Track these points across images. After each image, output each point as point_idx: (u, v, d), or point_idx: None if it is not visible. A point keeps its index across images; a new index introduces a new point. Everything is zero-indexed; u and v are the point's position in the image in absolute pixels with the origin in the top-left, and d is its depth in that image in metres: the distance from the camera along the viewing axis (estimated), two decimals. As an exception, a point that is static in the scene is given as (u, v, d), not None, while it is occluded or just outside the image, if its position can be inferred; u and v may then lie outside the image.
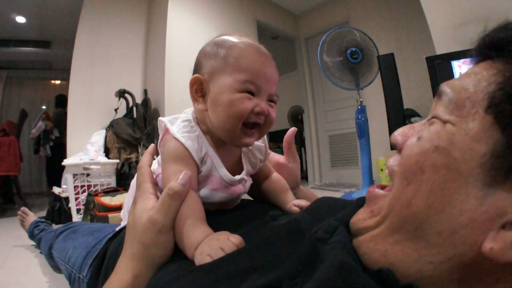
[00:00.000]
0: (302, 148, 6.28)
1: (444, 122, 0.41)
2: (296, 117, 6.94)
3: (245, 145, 0.71)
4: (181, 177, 0.57)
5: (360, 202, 0.56)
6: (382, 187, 0.49)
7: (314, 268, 0.40)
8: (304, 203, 0.77)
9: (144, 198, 0.60)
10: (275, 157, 0.96)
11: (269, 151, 0.94)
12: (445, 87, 0.44)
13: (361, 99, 3.28)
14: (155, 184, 0.66)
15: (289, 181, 0.87)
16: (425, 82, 2.54)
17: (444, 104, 0.42)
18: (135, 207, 0.60)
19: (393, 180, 0.46)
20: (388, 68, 2.75)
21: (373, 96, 4.10)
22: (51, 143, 5.40)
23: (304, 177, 5.97)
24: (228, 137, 0.67)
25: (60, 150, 5.18)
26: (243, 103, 0.63)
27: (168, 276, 0.49)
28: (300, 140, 6.49)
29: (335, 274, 0.37)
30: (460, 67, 2.21)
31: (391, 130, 2.70)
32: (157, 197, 0.59)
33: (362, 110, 3.25)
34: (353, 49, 3.13)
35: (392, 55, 2.77)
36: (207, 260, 0.48)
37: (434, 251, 0.39)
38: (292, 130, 0.94)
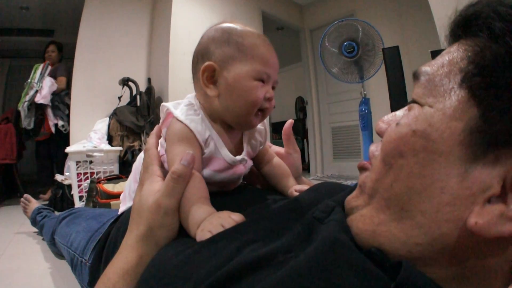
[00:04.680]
0: (305, 140, 6.28)
1: (422, 105, 0.42)
2: (304, 108, 6.93)
3: (253, 127, 0.75)
4: (183, 158, 0.58)
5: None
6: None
7: (308, 243, 0.41)
8: (305, 187, 0.77)
9: (151, 181, 0.61)
10: (276, 149, 0.97)
11: (269, 143, 0.96)
12: (421, 68, 0.44)
13: (365, 92, 3.26)
14: (161, 166, 0.67)
15: (291, 171, 0.88)
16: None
17: (422, 85, 0.43)
18: (142, 189, 0.62)
19: (372, 163, 0.47)
20: (393, 61, 2.73)
21: (377, 88, 4.09)
22: (67, 111, 3.83)
23: (306, 168, 5.97)
24: (239, 121, 0.71)
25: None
26: (258, 90, 0.67)
27: (168, 253, 0.50)
28: (302, 132, 6.49)
29: (327, 249, 0.38)
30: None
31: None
32: (164, 179, 0.60)
33: (365, 102, 3.23)
34: (348, 43, 3.10)
35: (397, 48, 2.75)
36: (207, 236, 0.49)
37: (420, 231, 0.39)
38: (290, 122, 0.96)
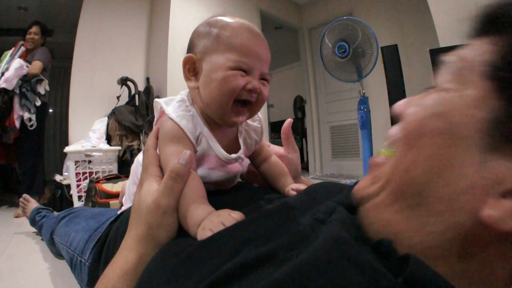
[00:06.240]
0: (303, 139, 6.28)
1: (444, 90, 0.42)
2: (303, 107, 6.92)
3: (234, 124, 0.71)
4: (181, 157, 0.58)
5: None
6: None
7: (310, 242, 0.40)
8: (302, 187, 0.77)
9: (150, 181, 0.61)
10: (275, 149, 0.96)
11: (268, 143, 0.96)
12: (445, 57, 0.45)
13: (363, 90, 3.26)
14: (161, 166, 0.66)
15: (289, 171, 0.88)
16: (428, 75, 2.53)
17: (444, 73, 0.44)
18: (141, 189, 0.61)
19: (394, 147, 0.47)
20: (392, 59, 2.74)
21: (376, 87, 4.09)
22: (39, 103, 3.18)
23: (305, 168, 5.97)
24: (218, 114, 0.68)
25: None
26: (236, 79, 0.64)
27: (169, 251, 0.50)
28: (301, 131, 6.49)
29: (328, 246, 0.37)
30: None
31: (394, 122, 2.69)
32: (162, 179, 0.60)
33: (364, 101, 3.23)
34: (340, 44, 3.10)
35: (395, 46, 2.75)
36: (208, 234, 0.49)
37: (435, 219, 0.39)
38: (289, 121, 0.95)
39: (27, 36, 3.40)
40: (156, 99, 0.74)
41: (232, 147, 0.76)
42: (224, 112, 0.67)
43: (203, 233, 0.51)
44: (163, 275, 0.44)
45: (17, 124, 3.05)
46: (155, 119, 0.76)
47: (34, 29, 3.45)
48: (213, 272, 0.38)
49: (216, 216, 0.53)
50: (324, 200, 0.58)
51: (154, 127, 0.72)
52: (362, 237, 0.44)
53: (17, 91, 3.04)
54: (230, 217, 0.52)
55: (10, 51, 3.19)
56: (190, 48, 0.72)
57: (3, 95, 3.00)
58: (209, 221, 0.52)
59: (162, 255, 0.51)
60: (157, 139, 0.70)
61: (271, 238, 0.44)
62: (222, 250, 0.43)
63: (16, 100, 3.05)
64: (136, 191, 0.63)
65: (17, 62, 3.06)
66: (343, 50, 3.08)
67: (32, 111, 3.11)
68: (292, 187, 0.78)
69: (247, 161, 0.81)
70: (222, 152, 0.71)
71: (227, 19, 0.70)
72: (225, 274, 0.37)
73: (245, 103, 0.69)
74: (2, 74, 2.98)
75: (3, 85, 2.94)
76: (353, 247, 0.38)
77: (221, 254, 0.42)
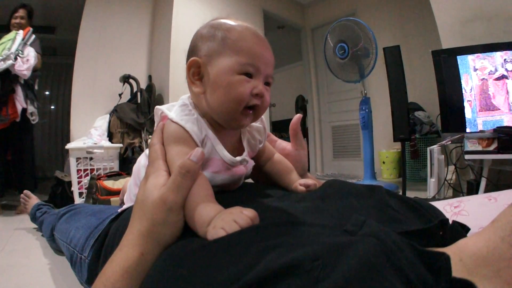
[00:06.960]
0: (305, 139, 6.27)
1: None
2: (305, 107, 6.92)
3: (241, 127, 0.71)
4: (193, 154, 0.56)
5: (379, 191, 0.58)
6: None
7: (337, 254, 0.38)
8: (310, 182, 0.76)
9: (157, 175, 0.59)
10: (282, 144, 0.94)
11: (275, 137, 0.95)
12: None
13: (365, 91, 3.26)
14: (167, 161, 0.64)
15: (296, 168, 0.86)
16: (430, 76, 2.53)
17: None
18: (146, 182, 0.59)
19: None
20: (394, 60, 2.73)
21: (378, 88, 4.09)
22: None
23: (306, 167, 5.96)
24: (225, 119, 0.68)
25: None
26: (242, 85, 0.64)
27: (178, 253, 0.48)
28: (303, 130, 6.48)
29: (363, 274, 0.34)
30: (474, 61, 2.20)
31: (395, 123, 2.70)
32: (169, 175, 0.58)
33: (366, 102, 3.24)
34: (340, 45, 3.11)
35: (398, 47, 2.75)
36: (221, 233, 0.47)
37: None
38: (298, 116, 0.92)
39: (13, 21, 3.18)
40: (157, 106, 0.72)
41: (237, 149, 0.75)
42: (233, 117, 0.67)
43: (214, 232, 0.48)
44: (174, 279, 0.42)
45: (19, 114, 2.84)
46: (156, 124, 0.74)
47: (21, 12, 3.23)
48: (233, 281, 0.36)
49: (227, 213, 0.51)
50: (341, 199, 0.58)
51: (161, 123, 0.70)
52: (401, 248, 0.41)
53: (22, 81, 2.84)
54: (243, 214, 0.50)
55: (22, 34, 2.96)
56: (193, 51, 0.70)
57: (5, 83, 2.74)
58: (220, 219, 0.50)
59: (171, 256, 0.49)
60: (163, 133, 0.68)
61: (295, 246, 0.40)
62: (241, 258, 0.40)
63: (20, 91, 2.83)
64: (141, 184, 0.61)
65: (33, 51, 2.90)
66: (342, 51, 3.10)
67: (36, 105, 2.99)
68: (300, 183, 0.77)
69: (251, 163, 0.79)
70: (227, 155, 0.70)
71: (231, 22, 0.69)
72: (249, 284, 0.35)
73: (251, 106, 0.67)
74: (16, 58, 2.73)
75: (25, 72, 2.74)
76: (384, 273, 0.35)
77: (239, 262, 0.39)
